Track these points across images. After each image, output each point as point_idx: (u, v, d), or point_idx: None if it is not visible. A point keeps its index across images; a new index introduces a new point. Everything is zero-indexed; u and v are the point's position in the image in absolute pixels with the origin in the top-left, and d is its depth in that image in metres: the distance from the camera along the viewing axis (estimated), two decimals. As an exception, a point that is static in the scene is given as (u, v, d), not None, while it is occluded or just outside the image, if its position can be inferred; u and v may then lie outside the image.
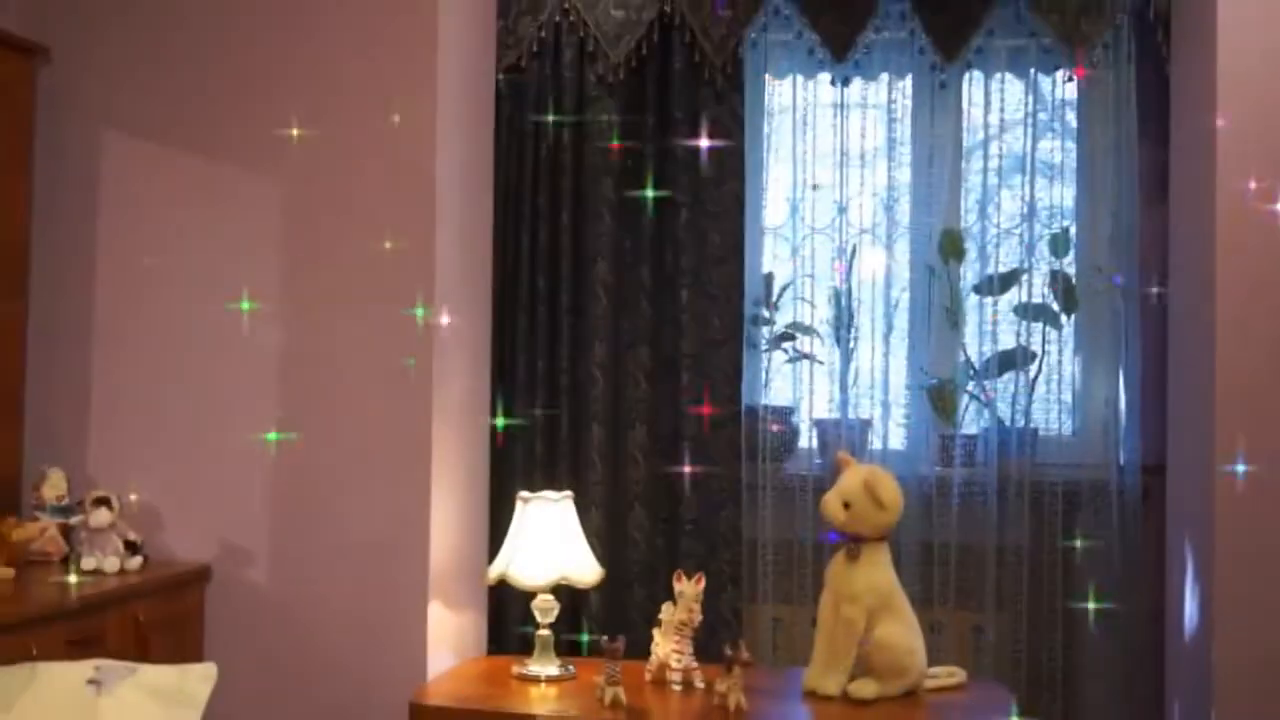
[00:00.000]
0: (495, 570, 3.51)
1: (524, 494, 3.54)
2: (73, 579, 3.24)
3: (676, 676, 3.32)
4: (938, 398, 4.10)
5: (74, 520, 3.44)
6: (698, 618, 3.34)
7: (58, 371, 3.62)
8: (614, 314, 4.11)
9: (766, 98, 4.22)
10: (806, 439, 4.23)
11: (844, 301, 4.15)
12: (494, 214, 4.00)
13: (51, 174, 3.64)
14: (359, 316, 3.51)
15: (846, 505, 3.24)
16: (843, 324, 4.16)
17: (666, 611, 3.38)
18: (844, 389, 4.14)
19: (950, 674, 3.42)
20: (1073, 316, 4.10)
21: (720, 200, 4.09)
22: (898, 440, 4.16)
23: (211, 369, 3.58)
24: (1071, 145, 4.15)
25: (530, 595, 3.49)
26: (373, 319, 3.50)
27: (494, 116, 4.01)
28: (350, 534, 3.49)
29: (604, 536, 3.97)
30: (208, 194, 3.60)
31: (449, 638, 3.59)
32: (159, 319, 3.61)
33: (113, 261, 3.64)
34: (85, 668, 2.22)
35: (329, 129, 3.54)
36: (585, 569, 3.50)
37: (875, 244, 4.18)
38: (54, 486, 3.48)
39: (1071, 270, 4.11)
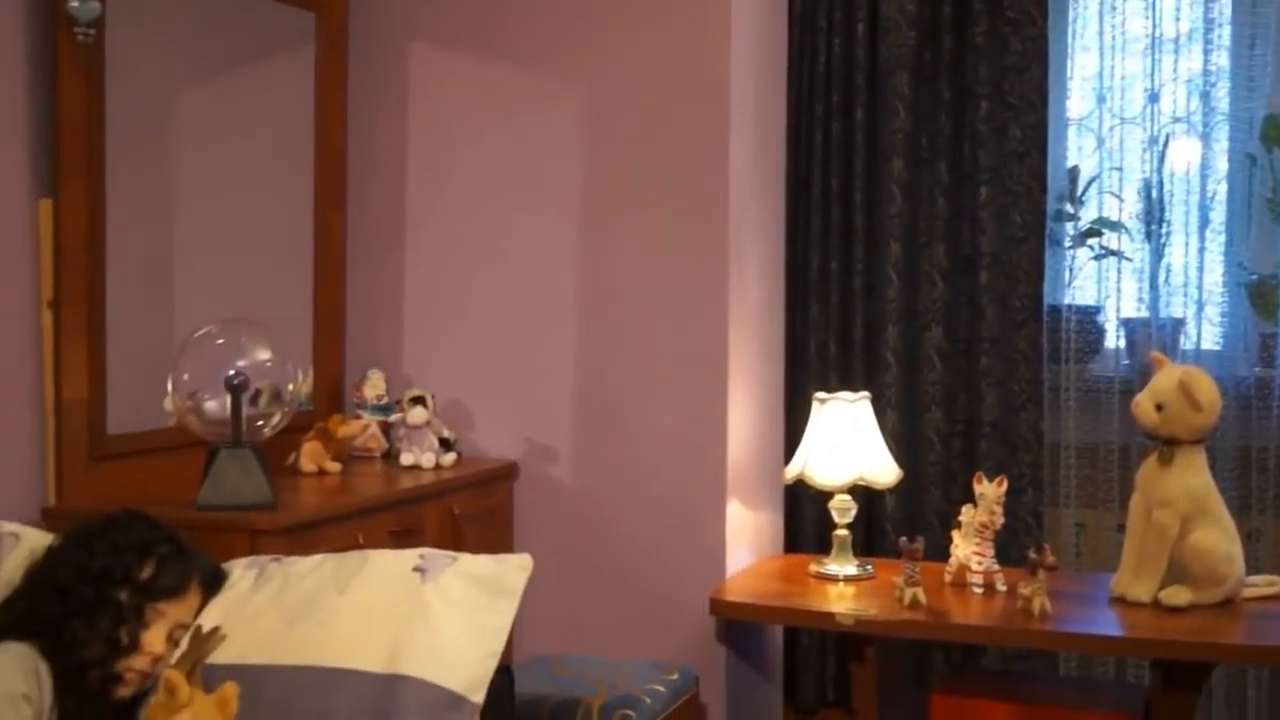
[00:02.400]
0: (792, 470, 3.52)
1: (820, 395, 3.54)
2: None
3: (977, 579, 3.28)
4: (1257, 294, 3.86)
5: (393, 418, 3.62)
6: (999, 520, 3.28)
7: (374, 277, 3.80)
8: (909, 212, 4.02)
9: (1072, -18, 4.02)
10: (1113, 339, 4.06)
11: (1154, 195, 3.95)
12: (786, 113, 3.98)
13: (365, 86, 3.79)
14: (656, 219, 3.55)
15: (1159, 407, 3.11)
16: (1153, 218, 3.95)
17: (966, 514, 3.33)
18: (1154, 287, 3.95)
19: (1270, 583, 3.26)
20: None
21: (1022, 91, 3.93)
22: (1212, 340, 3.95)
23: (516, 273, 3.69)
24: None
25: (826, 496, 3.50)
26: (669, 221, 3.53)
27: (787, 15, 3.97)
28: (650, 434, 3.56)
29: (900, 438, 3.92)
30: (511, 102, 3.68)
31: (747, 536, 3.64)
32: (466, 224, 3.74)
33: (422, 170, 3.78)
34: (411, 555, 2.33)
35: (626, 34, 3.56)
36: (883, 470, 3.48)
37: (1189, 133, 3.95)
38: (374, 386, 3.67)
39: None
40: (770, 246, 3.84)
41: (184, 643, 2.23)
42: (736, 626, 3.55)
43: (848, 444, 3.44)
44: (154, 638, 2.19)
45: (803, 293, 4.07)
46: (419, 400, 3.55)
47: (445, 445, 3.55)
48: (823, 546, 3.62)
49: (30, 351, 2.85)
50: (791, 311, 4.04)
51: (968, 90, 3.97)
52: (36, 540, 2.37)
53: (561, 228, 3.64)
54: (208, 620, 2.27)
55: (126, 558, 2.21)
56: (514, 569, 2.30)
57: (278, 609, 2.28)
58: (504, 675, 2.32)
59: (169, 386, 2.90)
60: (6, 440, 2.82)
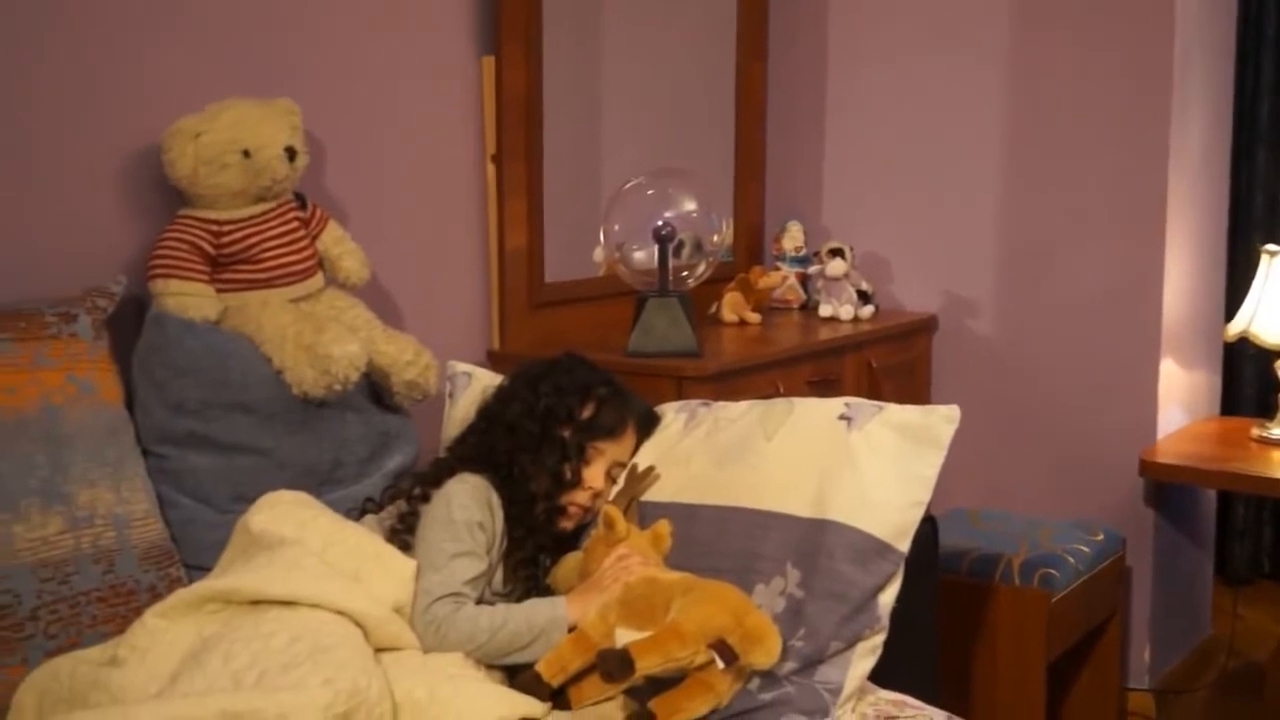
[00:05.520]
0: (1235, 327, 3.31)
1: (1270, 247, 3.29)
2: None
3: None
4: None
5: (811, 270, 3.63)
6: None
7: (794, 129, 3.80)
8: (1380, 47, 3.65)
9: None
10: None
11: None
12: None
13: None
14: (1092, 64, 3.37)
15: None
16: None
17: None
18: None
19: None
20: None
21: None
22: None
23: (938, 123, 3.60)
24: None
25: (1271, 355, 3.27)
26: (1106, 66, 3.35)
27: None
28: (1077, 287, 3.43)
29: (1357, 296, 3.61)
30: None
31: (1180, 396, 3.47)
32: (886, 75, 3.66)
33: (843, 21, 3.72)
34: (836, 404, 2.32)
35: None
36: (1339, 329, 3.22)
37: None
38: (792, 238, 3.69)
39: None
40: (1216, 91, 3.56)
41: (621, 480, 2.33)
42: (1167, 490, 3.40)
43: (1299, 301, 3.19)
44: (594, 474, 2.31)
45: (1249, 141, 3.79)
46: (837, 252, 3.54)
47: (863, 298, 3.54)
48: (1264, 409, 3.41)
49: (476, 204, 3.02)
50: (1236, 161, 3.77)
51: None
52: (487, 380, 2.53)
53: (987, 76, 3.51)
54: (642, 460, 2.36)
55: (569, 398, 2.32)
56: (941, 420, 2.25)
57: (707, 451, 2.34)
58: (928, 525, 2.30)
59: (600, 237, 3.01)
60: (457, 288, 3.01)
